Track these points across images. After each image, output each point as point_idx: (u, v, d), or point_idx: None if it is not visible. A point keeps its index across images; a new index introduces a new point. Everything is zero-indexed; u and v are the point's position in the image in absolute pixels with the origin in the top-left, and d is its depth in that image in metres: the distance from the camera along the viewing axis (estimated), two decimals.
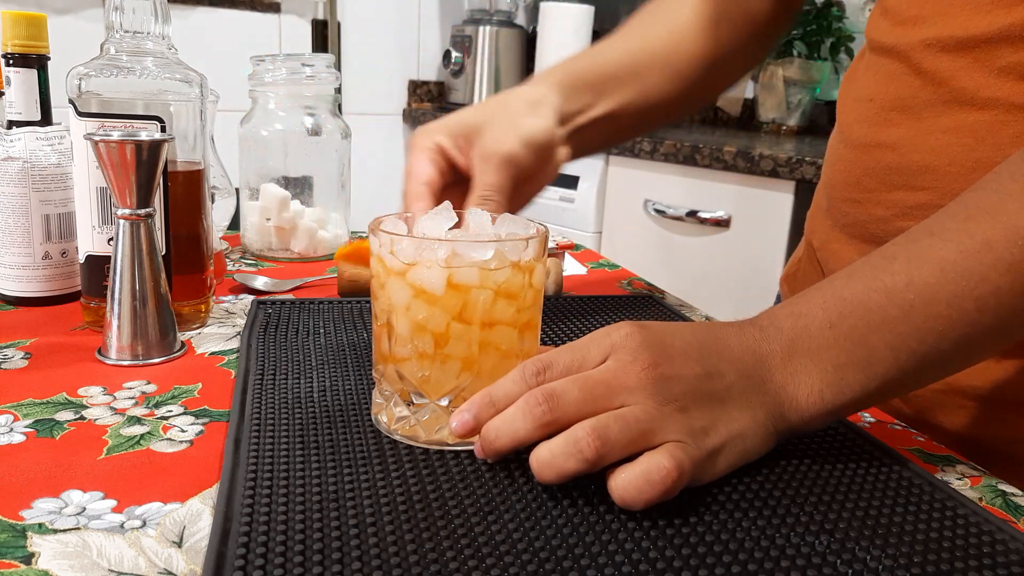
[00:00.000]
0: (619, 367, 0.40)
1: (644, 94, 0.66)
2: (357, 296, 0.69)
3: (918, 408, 0.59)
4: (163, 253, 0.56)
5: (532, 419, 0.38)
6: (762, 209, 1.48)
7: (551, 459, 0.37)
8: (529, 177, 0.59)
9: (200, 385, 0.50)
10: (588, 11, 2.03)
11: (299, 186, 0.87)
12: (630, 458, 0.38)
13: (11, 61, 0.62)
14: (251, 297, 0.70)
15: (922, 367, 0.42)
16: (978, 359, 0.45)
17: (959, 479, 0.44)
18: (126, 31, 0.57)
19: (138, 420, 0.45)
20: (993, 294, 0.40)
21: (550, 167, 0.62)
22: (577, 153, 0.64)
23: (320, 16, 2.13)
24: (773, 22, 0.72)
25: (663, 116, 0.71)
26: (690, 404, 0.39)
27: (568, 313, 0.68)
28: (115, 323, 0.53)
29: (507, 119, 0.58)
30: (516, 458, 0.41)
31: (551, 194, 1.82)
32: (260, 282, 0.73)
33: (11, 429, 0.43)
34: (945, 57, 0.53)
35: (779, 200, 1.44)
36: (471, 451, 0.42)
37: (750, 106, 2.00)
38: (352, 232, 0.96)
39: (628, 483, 0.36)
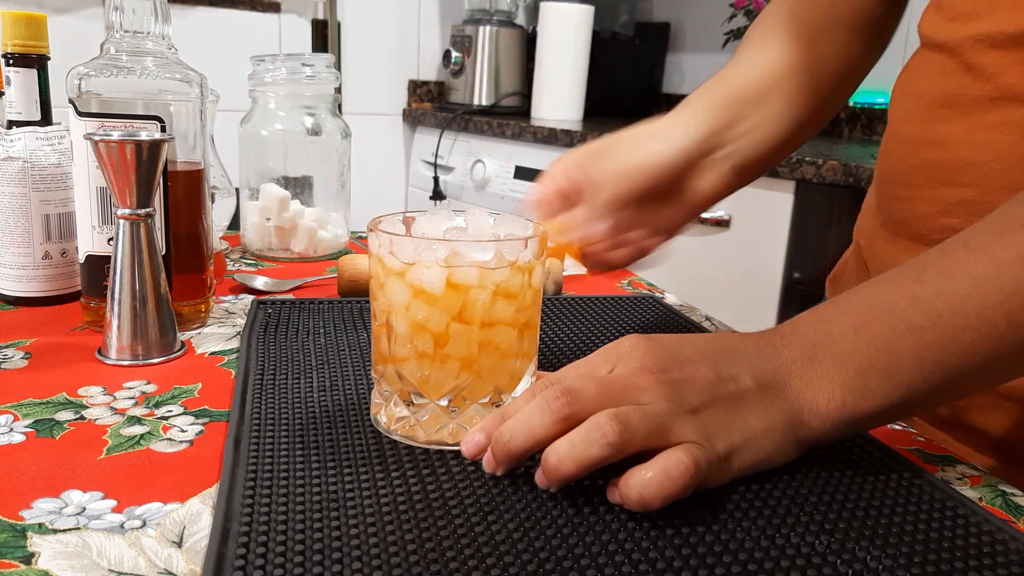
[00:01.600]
0: (628, 372, 0.39)
1: (778, 118, 0.64)
2: (357, 296, 0.69)
3: (954, 409, 0.58)
4: (163, 253, 0.56)
5: (550, 413, 0.38)
6: (762, 209, 1.48)
7: (571, 448, 0.36)
8: (657, 201, 0.59)
9: (200, 385, 0.50)
10: (588, 11, 2.03)
11: (299, 186, 0.87)
12: (640, 461, 0.37)
13: (11, 61, 0.62)
14: (251, 297, 0.70)
15: (948, 380, 0.40)
16: (1008, 377, 0.43)
17: (959, 479, 0.44)
18: (126, 31, 0.57)
19: (138, 420, 0.45)
20: (1010, 311, 0.39)
21: (687, 192, 0.60)
22: (734, 176, 0.62)
23: (320, 16, 2.13)
24: (884, 21, 0.69)
25: (792, 142, 0.67)
26: (703, 407, 0.39)
27: (568, 313, 0.68)
28: (115, 323, 0.53)
29: (631, 142, 0.59)
30: None
31: None
32: (260, 282, 0.73)
33: (11, 429, 0.43)
34: (995, 53, 0.52)
35: (779, 200, 1.44)
36: None
37: None
38: (352, 232, 0.96)
39: (647, 480, 0.36)
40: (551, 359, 0.56)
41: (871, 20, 0.67)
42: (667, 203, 0.60)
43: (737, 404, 0.40)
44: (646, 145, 0.59)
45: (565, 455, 0.37)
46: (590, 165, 0.58)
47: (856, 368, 0.41)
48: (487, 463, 0.40)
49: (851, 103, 1.87)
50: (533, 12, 2.22)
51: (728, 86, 0.64)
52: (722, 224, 1.54)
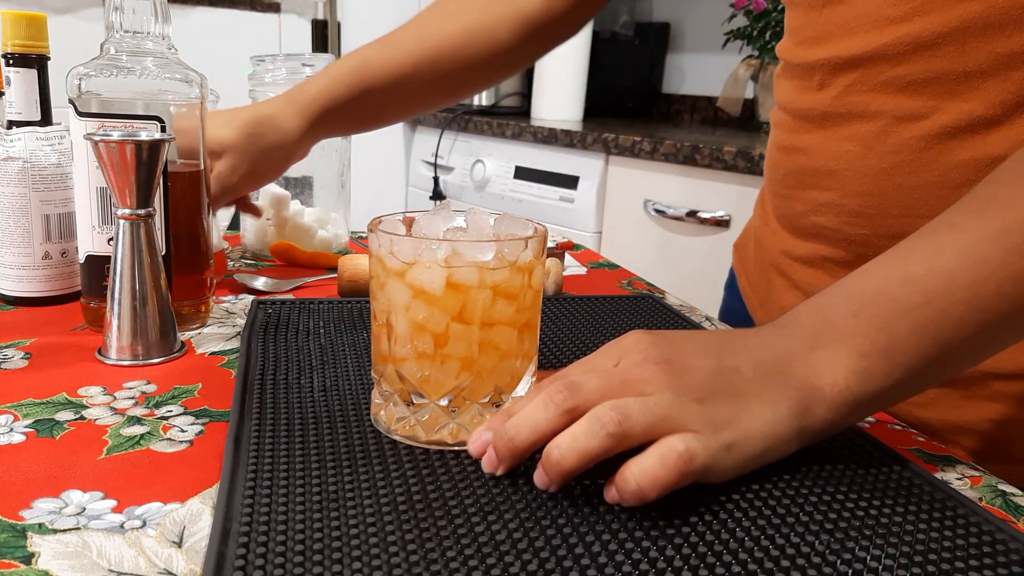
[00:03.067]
0: (632, 365, 0.40)
1: (396, 67, 0.78)
2: (357, 296, 0.69)
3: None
4: (163, 253, 0.56)
5: (553, 407, 0.38)
6: None
7: (572, 442, 0.37)
8: (264, 163, 0.73)
9: (200, 385, 0.50)
10: None
11: (299, 186, 0.87)
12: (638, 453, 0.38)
13: (11, 61, 0.62)
14: (251, 297, 0.70)
15: (944, 354, 0.42)
16: (997, 348, 0.45)
17: (959, 479, 0.44)
18: (126, 31, 0.57)
19: (138, 420, 0.45)
20: (1011, 279, 0.40)
21: (290, 154, 0.74)
22: (325, 132, 0.76)
23: (320, 16, 2.13)
24: (550, 23, 0.80)
25: (416, 96, 0.83)
26: (708, 396, 0.39)
27: (568, 313, 0.68)
28: (115, 323, 0.53)
29: (244, 115, 0.72)
30: None
31: (551, 194, 1.82)
32: (260, 282, 0.73)
33: (11, 429, 0.43)
34: (838, 74, 0.59)
35: None
36: None
37: (750, 106, 2.00)
38: (352, 232, 0.96)
39: (642, 471, 0.36)
40: (551, 359, 0.56)
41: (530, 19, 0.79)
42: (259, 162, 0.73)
43: (742, 394, 0.40)
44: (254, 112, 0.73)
45: (567, 449, 0.37)
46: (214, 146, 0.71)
47: (858, 350, 0.41)
48: (488, 462, 0.40)
49: None
50: None
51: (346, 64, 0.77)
52: (722, 224, 1.54)
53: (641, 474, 0.36)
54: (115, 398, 0.48)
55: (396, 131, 2.32)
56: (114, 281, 0.53)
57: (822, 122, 0.61)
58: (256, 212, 0.81)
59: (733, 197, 1.52)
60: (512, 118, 2.02)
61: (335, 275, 0.72)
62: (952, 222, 0.44)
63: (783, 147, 0.67)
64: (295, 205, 0.86)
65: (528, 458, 0.39)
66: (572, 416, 0.38)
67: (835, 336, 0.42)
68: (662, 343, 0.41)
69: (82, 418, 0.45)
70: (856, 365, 0.41)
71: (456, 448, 0.42)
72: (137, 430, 0.44)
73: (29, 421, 0.44)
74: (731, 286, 0.83)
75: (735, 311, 0.80)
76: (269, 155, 0.72)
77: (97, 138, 0.50)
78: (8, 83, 0.62)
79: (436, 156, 2.12)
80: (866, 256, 0.58)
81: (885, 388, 0.42)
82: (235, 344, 0.58)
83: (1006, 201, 0.42)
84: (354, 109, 0.76)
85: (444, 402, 0.42)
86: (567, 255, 0.90)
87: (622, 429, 0.37)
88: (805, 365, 0.42)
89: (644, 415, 0.37)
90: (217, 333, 0.60)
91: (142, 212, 0.52)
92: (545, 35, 0.82)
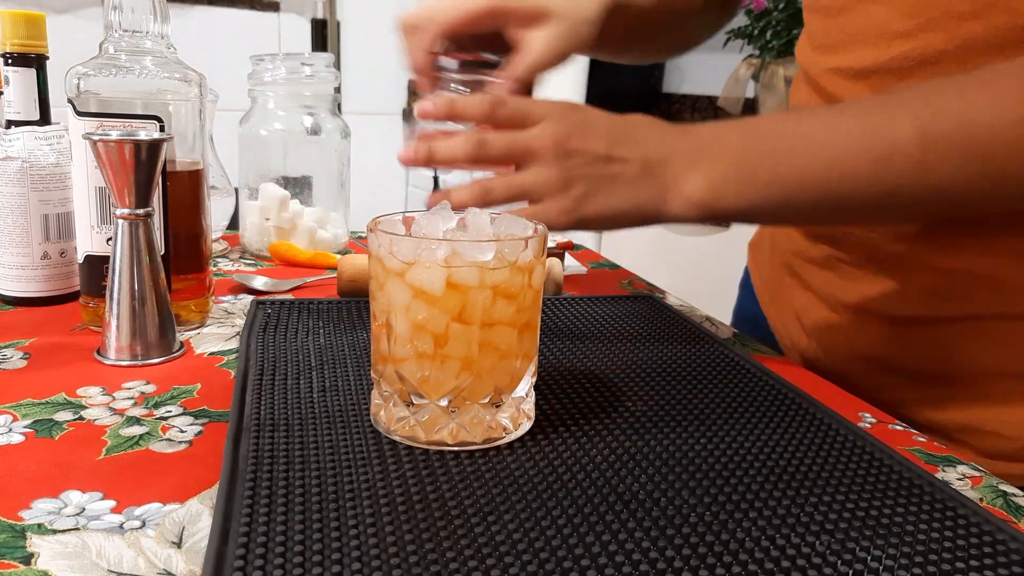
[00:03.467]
0: (541, 132, 0.52)
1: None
2: (356, 296, 0.69)
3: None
4: (162, 253, 0.56)
5: (464, 152, 0.53)
6: None
7: (465, 192, 0.53)
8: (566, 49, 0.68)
9: (199, 385, 0.50)
10: None
11: (298, 186, 0.87)
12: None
13: (10, 60, 0.62)
14: (250, 297, 0.70)
15: (785, 204, 0.51)
16: (826, 222, 0.61)
17: (960, 479, 0.44)
18: (125, 30, 0.57)
19: (137, 420, 0.45)
20: (874, 163, 0.48)
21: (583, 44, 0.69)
22: (598, 48, 0.72)
23: (320, 15, 2.12)
24: None
25: (682, 24, 0.79)
26: (579, 175, 0.52)
27: (568, 313, 0.68)
28: (114, 323, 0.53)
29: (571, 23, 0.65)
30: (516, 459, 0.41)
31: None
32: (259, 282, 0.73)
33: (10, 429, 0.43)
34: (847, 83, 0.61)
35: None
36: (471, 451, 0.42)
37: (750, 106, 1.99)
38: (352, 232, 0.96)
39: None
40: (551, 359, 0.56)
41: None
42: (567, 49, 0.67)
43: (613, 180, 0.52)
44: (579, 30, 0.66)
45: (466, 196, 0.53)
46: (528, 19, 0.64)
47: (722, 174, 0.51)
48: (408, 152, 0.55)
49: None
50: None
51: None
52: (722, 224, 1.54)
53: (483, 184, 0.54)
54: (114, 398, 0.48)
55: (396, 130, 2.31)
56: (113, 281, 0.53)
57: None
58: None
59: None
60: None
61: (335, 275, 0.72)
62: (866, 108, 0.51)
63: None
64: (295, 205, 0.86)
65: (531, 463, 0.39)
66: (474, 165, 0.53)
67: (712, 153, 0.52)
68: (575, 122, 0.52)
69: (81, 418, 0.45)
70: (714, 183, 0.51)
71: (456, 448, 0.42)
72: (136, 430, 0.44)
73: (28, 421, 0.44)
74: (746, 284, 0.84)
75: (748, 309, 0.81)
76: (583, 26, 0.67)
77: (96, 138, 0.50)
78: (7, 82, 0.62)
79: None
80: (876, 258, 0.62)
81: (731, 209, 0.52)
82: (234, 344, 0.58)
83: (922, 99, 0.48)
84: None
85: (444, 402, 0.42)
86: (567, 255, 0.90)
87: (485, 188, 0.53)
88: (680, 167, 0.52)
89: (506, 191, 0.53)
90: (216, 333, 0.60)
91: (141, 212, 0.52)
92: None
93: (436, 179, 2.10)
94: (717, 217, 0.53)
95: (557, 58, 0.64)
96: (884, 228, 0.60)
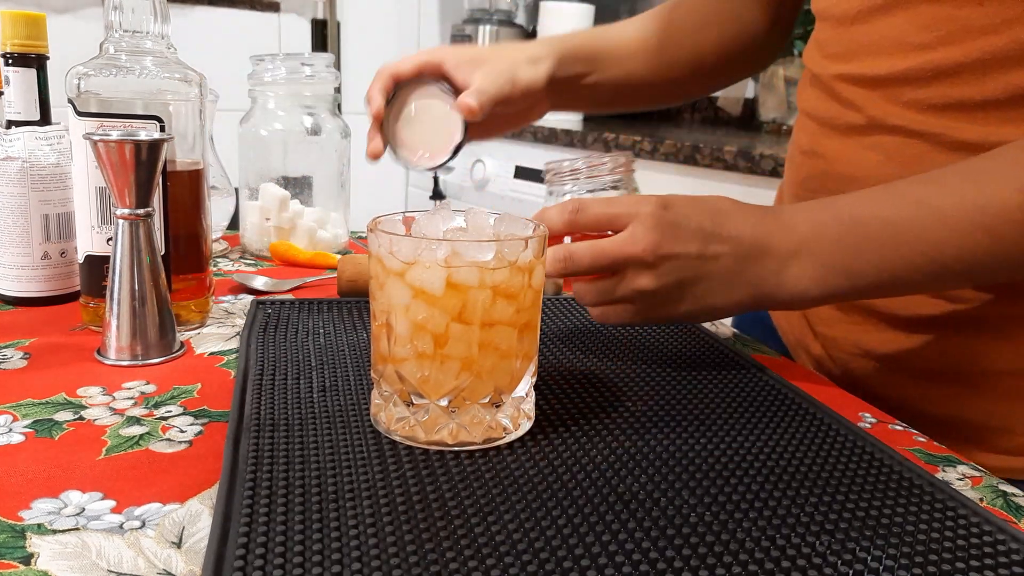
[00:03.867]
0: (632, 240, 0.51)
1: (629, 76, 0.79)
2: (356, 296, 0.69)
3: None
4: (162, 253, 0.56)
5: (550, 267, 0.52)
6: None
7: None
8: (512, 116, 0.74)
9: (199, 385, 0.50)
10: (588, 10, 2.03)
11: (299, 186, 0.87)
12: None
13: (10, 61, 0.62)
14: (250, 297, 0.70)
15: (893, 285, 0.52)
16: (937, 290, 0.58)
17: (960, 479, 0.44)
18: (125, 30, 0.57)
19: (137, 420, 0.45)
20: (969, 249, 0.49)
21: (531, 114, 0.76)
22: (558, 108, 0.79)
23: (320, 15, 2.12)
24: (763, 38, 0.80)
25: (645, 99, 0.85)
26: (674, 280, 0.51)
27: (568, 313, 0.68)
28: (114, 323, 0.53)
29: (510, 62, 0.69)
30: (516, 459, 0.41)
31: None
32: (260, 282, 0.73)
33: (10, 429, 0.43)
34: (859, 89, 0.61)
35: (778, 199, 1.44)
36: (471, 452, 0.42)
37: (751, 106, 1.99)
38: (352, 232, 0.96)
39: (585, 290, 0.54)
40: (551, 359, 0.56)
41: (747, 31, 0.79)
42: (513, 118, 0.75)
43: (708, 279, 0.52)
44: (522, 68, 0.70)
45: (551, 268, 0.53)
46: (472, 70, 0.68)
47: (829, 268, 0.51)
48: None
49: None
50: (533, 12, 2.22)
51: (591, 39, 0.78)
52: None
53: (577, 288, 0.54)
54: (114, 398, 0.48)
55: None
56: (113, 281, 0.53)
57: (845, 131, 0.62)
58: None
59: (733, 197, 1.52)
60: None
61: (335, 275, 0.72)
62: (941, 181, 0.50)
63: (805, 151, 0.68)
64: (295, 205, 0.86)
65: (533, 465, 0.39)
66: (560, 276, 0.54)
67: (815, 250, 0.51)
68: (666, 224, 0.51)
69: (81, 418, 0.45)
70: (822, 279, 0.51)
71: (456, 449, 0.42)
72: (136, 430, 0.44)
73: (28, 421, 0.44)
74: None
75: (756, 314, 0.81)
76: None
77: (96, 138, 0.50)
78: (7, 83, 0.62)
79: None
80: None
81: (839, 296, 0.53)
82: (234, 344, 0.58)
83: (991, 176, 0.49)
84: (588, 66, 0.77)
85: (444, 402, 0.42)
86: None
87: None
88: (781, 264, 0.51)
89: (596, 297, 0.54)
90: (216, 333, 0.60)
91: (141, 212, 0.52)
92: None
93: (436, 179, 2.10)
94: (830, 303, 0.55)
95: (500, 91, 0.67)
96: None
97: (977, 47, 0.52)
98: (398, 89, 0.69)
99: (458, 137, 0.65)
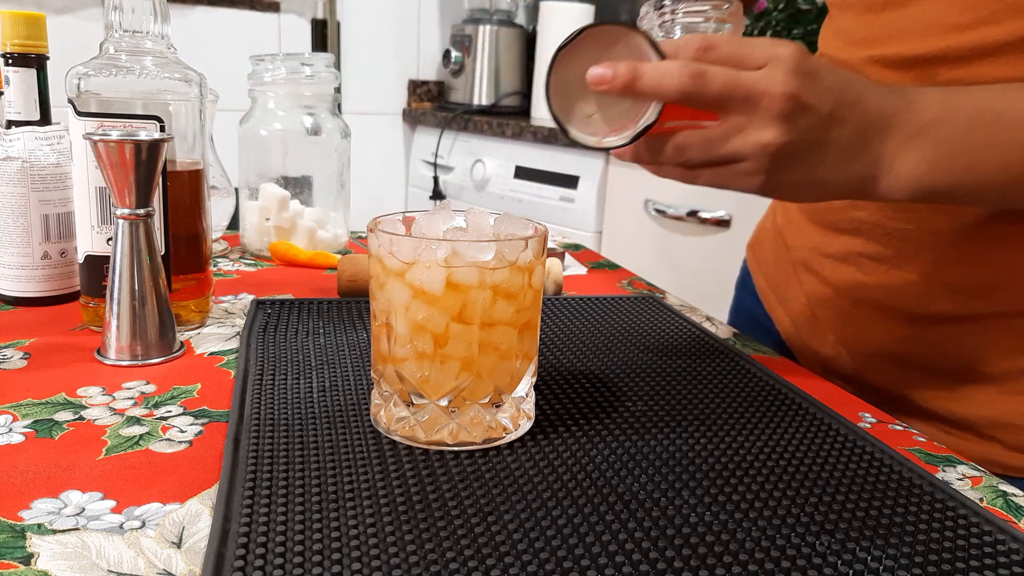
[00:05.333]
0: (770, 77, 0.44)
1: None
2: (356, 296, 0.69)
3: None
4: (162, 253, 0.56)
5: (676, 83, 0.43)
6: (763, 209, 1.47)
7: (660, 82, 0.44)
8: None
9: (199, 385, 0.50)
10: (588, 10, 2.03)
11: (298, 186, 0.87)
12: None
13: (10, 61, 0.62)
14: (250, 297, 0.70)
15: (998, 195, 0.49)
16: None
17: (960, 479, 0.44)
18: (125, 30, 0.57)
19: (137, 420, 0.45)
20: None
21: None
22: None
23: (320, 15, 2.12)
24: None
25: None
26: (800, 139, 0.45)
27: (568, 313, 0.68)
28: (114, 323, 0.53)
29: None
30: (516, 459, 0.41)
31: (551, 194, 1.82)
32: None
33: (10, 429, 0.43)
34: (891, 72, 0.58)
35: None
36: (471, 452, 0.42)
37: None
38: (352, 232, 0.96)
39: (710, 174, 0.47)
40: (551, 359, 0.56)
41: None
42: None
43: (826, 147, 0.45)
44: None
45: (653, 83, 0.44)
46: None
47: (947, 158, 0.47)
48: (601, 77, 0.44)
49: None
50: (533, 11, 2.22)
51: None
52: (722, 224, 1.54)
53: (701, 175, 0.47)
54: (114, 398, 0.48)
55: (396, 131, 2.31)
56: (113, 281, 0.53)
57: None
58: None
59: (733, 197, 1.52)
60: (512, 118, 2.02)
61: (335, 275, 0.72)
62: None
63: None
64: (295, 205, 0.86)
65: (533, 464, 0.39)
66: (685, 100, 0.44)
67: (941, 136, 0.47)
68: (805, 72, 0.44)
69: (81, 418, 0.45)
70: (936, 167, 0.47)
71: (456, 449, 0.42)
72: (136, 430, 0.44)
73: (28, 421, 0.44)
74: (743, 285, 0.83)
75: (748, 308, 0.80)
76: None
77: (96, 138, 0.50)
78: (7, 82, 0.62)
79: (436, 156, 2.12)
80: (906, 251, 0.60)
81: (941, 195, 0.48)
82: (234, 344, 0.58)
83: None
84: None
85: (444, 402, 0.42)
86: (567, 255, 0.90)
87: (692, 93, 0.44)
88: (901, 144, 0.46)
89: (712, 177, 0.47)
90: (216, 333, 0.60)
91: (141, 212, 0.52)
92: None
93: (436, 179, 2.10)
94: (923, 200, 0.49)
95: None
96: (920, 218, 0.58)
97: (1021, 25, 0.51)
98: (582, 31, 0.49)
99: (651, 114, 0.47)
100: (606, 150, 0.49)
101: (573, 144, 0.48)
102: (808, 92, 0.44)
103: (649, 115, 0.46)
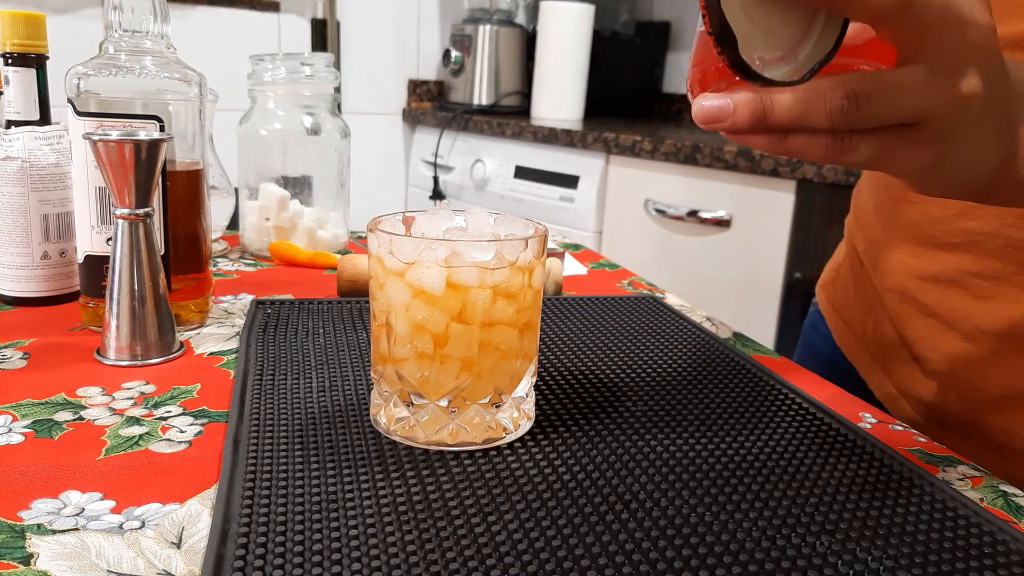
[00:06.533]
0: (970, 4, 0.33)
1: None
2: (356, 296, 0.69)
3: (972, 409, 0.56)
4: (162, 253, 0.56)
5: (827, 113, 0.33)
6: (763, 209, 1.47)
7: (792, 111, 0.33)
8: None
9: (199, 385, 0.50)
10: (588, 10, 2.02)
11: (298, 186, 0.87)
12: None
13: (10, 60, 0.61)
14: (250, 297, 0.70)
15: None
16: None
17: (960, 480, 0.44)
18: (125, 30, 0.57)
19: (137, 420, 0.45)
20: None
21: None
22: None
23: (319, 15, 2.12)
24: None
25: None
26: (991, 92, 0.34)
27: (568, 313, 0.68)
28: (114, 323, 0.53)
29: None
30: (516, 459, 0.41)
31: (551, 193, 1.82)
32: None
33: (10, 430, 0.43)
34: None
35: (780, 200, 1.44)
36: (471, 452, 0.42)
37: None
38: (352, 232, 0.96)
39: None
40: (551, 359, 0.56)
41: None
42: None
43: (994, 110, 0.36)
44: None
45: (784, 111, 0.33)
46: None
47: None
48: (714, 115, 0.34)
49: None
50: (533, 11, 2.22)
51: None
52: (723, 224, 1.54)
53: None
54: (114, 398, 0.48)
55: (396, 130, 2.31)
56: (113, 281, 0.52)
57: None
58: None
59: (734, 197, 1.52)
60: (512, 117, 2.02)
61: (335, 275, 0.72)
62: None
63: None
64: (294, 205, 0.86)
65: (523, 449, 0.39)
66: (838, 134, 0.34)
67: None
68: (987, 7, 0.34)
69: (81, 418, 0.45)
70: None
71: (456, 448, 0.42)
72: (136, 430, 0.44)
73: (28, 421, 0.44)
74: (814, 329, 0.74)
75: (824, 356, 0.71)
76: None
77: (96, 138, 0.50)
78: (7, 82, 0.62)
79: (436, 155, 2.12)
80: None
81: None
82: (234, 344, 0.58)
83: None
84: None
85: (444, 403, 0.42)
86: (567, 255, 0.90)
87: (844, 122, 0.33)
88: None
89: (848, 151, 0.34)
90: (216, 333, 0.60)
91: (141, 212, 0.52)
92: None
93: (436, 179, 2.10)
94: None
95: None
96: None
97: None
98: None
99: (834, 33, 0.34)
100: (775, 84, 0.34)
101: (738, 67, 0.33)
102: (995, 31, 0.34)
103: (826, 42, 0.34)
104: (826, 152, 0.35)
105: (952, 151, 0.36)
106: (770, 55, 0.34)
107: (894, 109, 0.34)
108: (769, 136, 0.35)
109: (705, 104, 0.35)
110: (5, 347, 0.55)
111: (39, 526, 0.35)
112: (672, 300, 0.76)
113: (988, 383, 0.55)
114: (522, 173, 1.89)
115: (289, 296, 0.70)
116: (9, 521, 0.35)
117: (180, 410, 0.47)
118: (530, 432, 0.45)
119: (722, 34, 0.32)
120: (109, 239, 0.57)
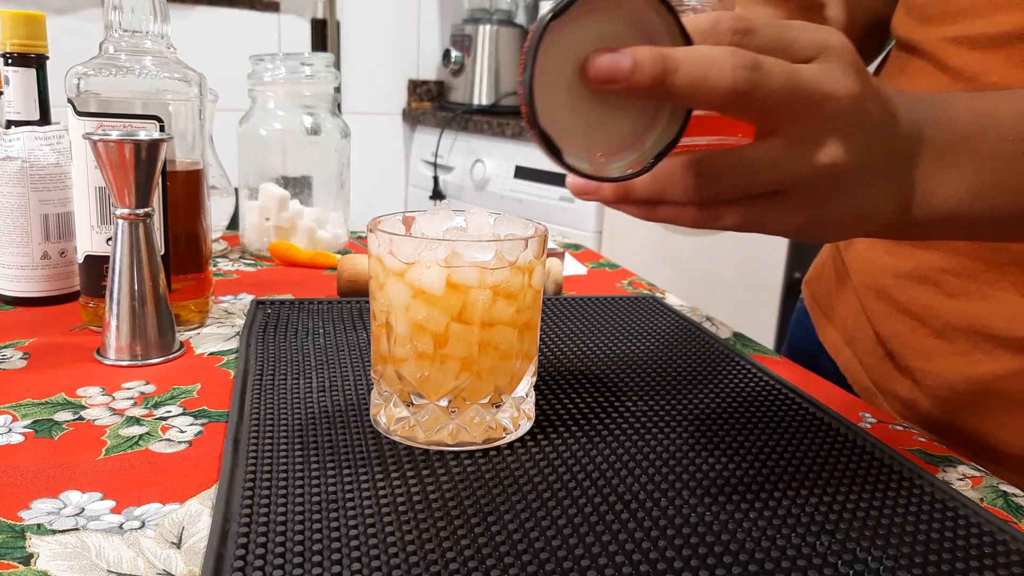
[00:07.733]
0: (829, 75, 0.33)
1: None
2: (356, 296, 0.69)
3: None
4: (162, 253, 0.56)
5: (732, 77, 0.30)
6: None
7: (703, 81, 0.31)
8: None
9: (199, 385, 0.50)
10: None
11: (298, 186, 0.87)
12: None
13: (10, 60, 0.62)
14: (250, 297, 0.70)
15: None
16: None
17: (960, 480, 0.44)
18: (125, 30, 0.57)
19: (137, 420, 0.45)
20: None
21: None
22: None
23: (319, 15, 2.12)
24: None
25: None
26: (854, 165, 0.34)
27: (568, 313, 0.68)
28: (114, 323, 0.53)
29: None
30: (516, 459, 0.41)
31: (551, 194, 1.82)
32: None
33: (10, 430, 0.43)
34: (975, 53, 0.51)
35: None
36: (471, 452, 0.42)
37: None
38: (352, 232, 0.96)
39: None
40: (551, 359, 0.56)
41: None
42: None
43: (875, 166, 0.35)
44: None
45: (687, 81, 0.31)
46: None
47: (992, 177, 0.37)
48: (624, 64, 0.30)
49: None
50: (533, 11, 2.22)
51: None
52: None
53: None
54: (114, 398, 0.48)
55: (396, 130, 2.31)
56: (113, 281, 0.52)
57: None
58: None
59: None
60: (512, 117, 2.02)
61: (335, 275, 0.72)
62: None
63: None
64: (294, 205, 0.86)
65: (514, 460, 0.39)
66: (735, 105, 0.32)
67: (982, 151, 0.37)
68: (860, 70, 0.34)
69: (81, 418, 0.45)
70: (981, 189, 0.37)
71: (456, 448, 0.42)
72: (136, 430, 0.44)
73: (28, 421, 0.44)
74: (800, 326, 0.74)
75: (807, 352, 0.72)
76: None
77: (96, 138, 0.50)
78: (7, 82, 0.62)
79: (436, 156, 2.12)
80: (1000, 263, 0.51)
81: (982, 220, 0.38)
82: (234, 344, 0.58)
83: None
84: None
85: (444, 403, 0.42)
86: (567, 255, 0.90)
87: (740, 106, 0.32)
88: (935, 162, 0.37)
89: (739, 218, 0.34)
90: (216, 333, 0.60)
91: (141, 212, 0.52)
92: None
93: (436, 179, 2.10)
94: (957, 228, 0.39)
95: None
96: None
97: None
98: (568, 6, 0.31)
99: (674, 127, 0.34)
100: (610, 180, 0.34)
101: (567, 169, 0.34)
102: (868, 95, 0.34)
103: (670, 129, 0.33)
104: (695, 221, 0.36)
105: (831, 208, 0.35)
106: (614, 149, 0.34)
107: (751, 182, 0.34)
108: (639, 207, 0.37)
109: (573, 178, 0.36)
110: (5, 347, 0.55)
111: (39, 526, 0.35)
112: (672, 300, 0.76)
113: (960, 381, 0.55)
114: (522, 173, 1.89)
115: (289, 296, 0.70)
116: (9, 521, 0.35)
117: (180, 410, 0.47)
118: (530, 432, 0.45)
119: (545, 145, 0.33)
120: (109, 239, 0.57)
